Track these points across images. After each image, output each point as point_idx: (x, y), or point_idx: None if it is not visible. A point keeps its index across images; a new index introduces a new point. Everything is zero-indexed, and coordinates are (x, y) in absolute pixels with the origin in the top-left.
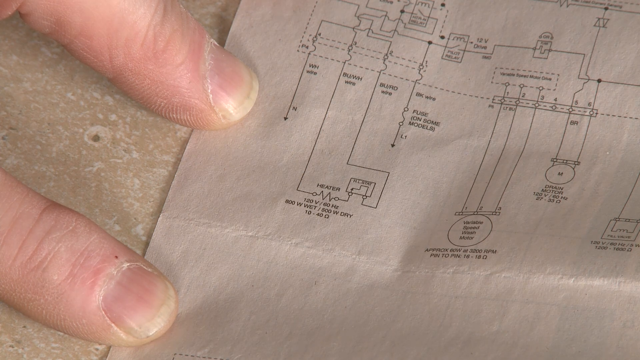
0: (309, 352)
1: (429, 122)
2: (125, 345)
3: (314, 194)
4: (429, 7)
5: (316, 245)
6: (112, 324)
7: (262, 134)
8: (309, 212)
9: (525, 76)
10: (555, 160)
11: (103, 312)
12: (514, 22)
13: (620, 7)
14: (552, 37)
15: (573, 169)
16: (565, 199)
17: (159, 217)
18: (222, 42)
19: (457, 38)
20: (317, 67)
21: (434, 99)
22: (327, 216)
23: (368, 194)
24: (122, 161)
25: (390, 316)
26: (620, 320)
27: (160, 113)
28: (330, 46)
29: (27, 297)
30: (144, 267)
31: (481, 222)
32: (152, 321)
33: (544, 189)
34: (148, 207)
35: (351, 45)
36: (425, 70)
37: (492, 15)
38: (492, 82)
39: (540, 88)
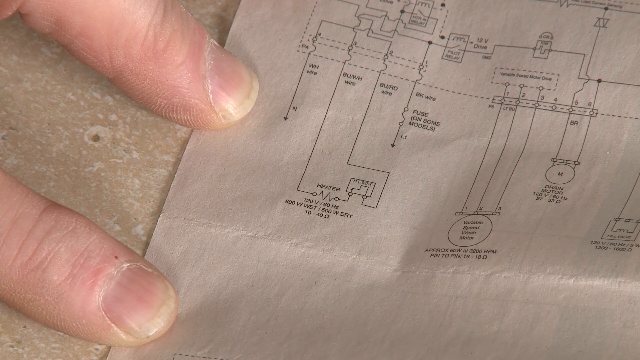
0: (309, 352)
1: (429, 122)
2: (125, 345)
3: (314, 194)
4: (429, 7)
5: (316, 245)
6: (112, 324)
7: (262, 134)
8: (309, 212)
9: (525, 76)
10: (555, 160)
11: (103, 313)
12: (514, 22)
13: (620, 7)
14: (552, 37)
15: (573, 169)
16: (565, 199)
17: (159, 217)
18: (222, 42)
19: (457, 38)
20: (317, 67)
21: (434, 99)
22: (327, 216)
23: (368, 194)
24: (122, 161)
25: (390, 316)
26: (620, 320)
27: (160, 113)
28: (330, 46)
29: (27, 297)
30: (144, 267)
31: (481, 222)
32: (152, 321)
33: (544, 189)
34: (148, 207)
35: (351, 45)
36: (425, 70)
37: (492, 15)
38: (492, 82)
39: (540, 88)
